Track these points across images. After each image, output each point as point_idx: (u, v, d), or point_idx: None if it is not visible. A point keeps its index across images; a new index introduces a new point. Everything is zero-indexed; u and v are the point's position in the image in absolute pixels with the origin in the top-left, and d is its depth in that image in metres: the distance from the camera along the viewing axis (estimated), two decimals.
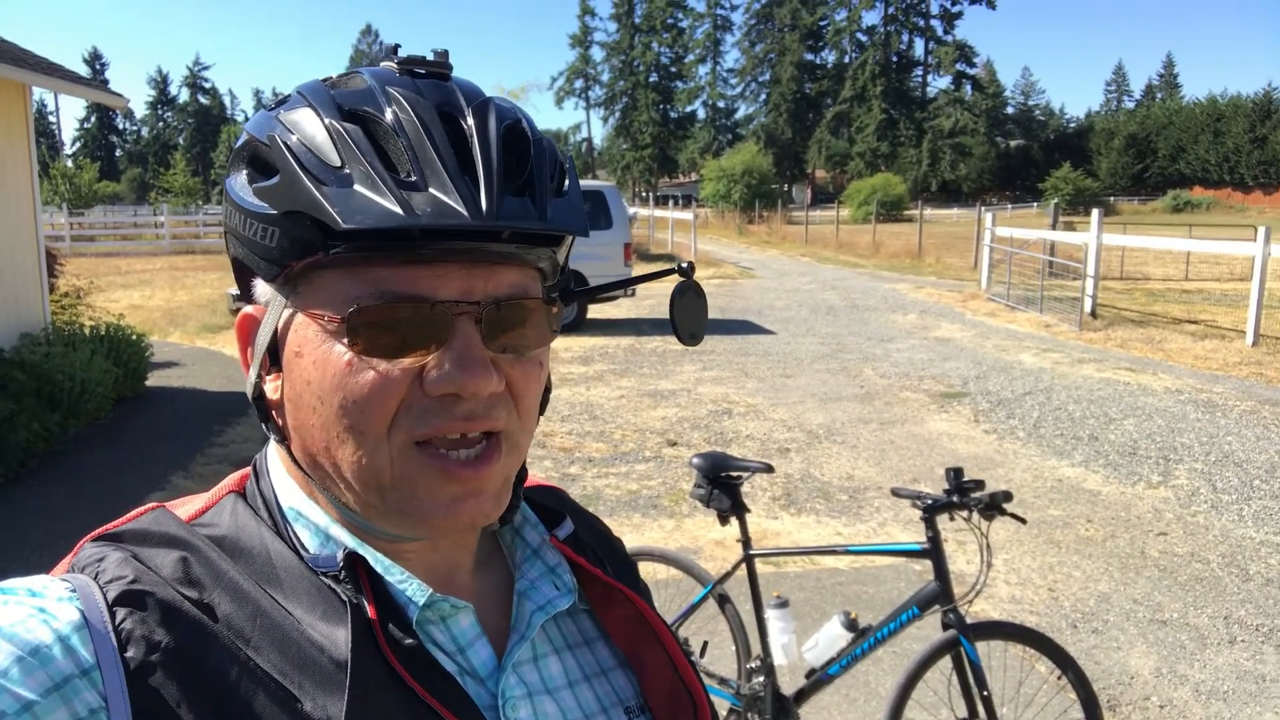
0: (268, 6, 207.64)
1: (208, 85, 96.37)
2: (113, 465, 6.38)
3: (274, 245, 0.59)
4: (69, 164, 46.41)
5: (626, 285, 0.84)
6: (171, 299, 16.15)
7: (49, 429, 6.46)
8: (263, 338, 0.62)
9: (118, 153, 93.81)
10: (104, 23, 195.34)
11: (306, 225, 0.56)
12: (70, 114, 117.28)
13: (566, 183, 0.64)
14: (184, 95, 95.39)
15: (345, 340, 0.57)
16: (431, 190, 0.55)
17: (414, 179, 0.56)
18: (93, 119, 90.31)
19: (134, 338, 8.56)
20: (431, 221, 0.54)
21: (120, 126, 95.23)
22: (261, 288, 0.63)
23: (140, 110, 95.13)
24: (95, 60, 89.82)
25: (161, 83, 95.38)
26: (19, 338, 7.56)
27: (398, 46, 0.64)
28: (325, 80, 0.62)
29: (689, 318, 0.78)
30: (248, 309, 0.64)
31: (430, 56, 0.63)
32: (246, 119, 0.57)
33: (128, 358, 8.25)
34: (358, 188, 0.55)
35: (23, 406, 6.23)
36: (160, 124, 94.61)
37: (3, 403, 6.00)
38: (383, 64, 0.63)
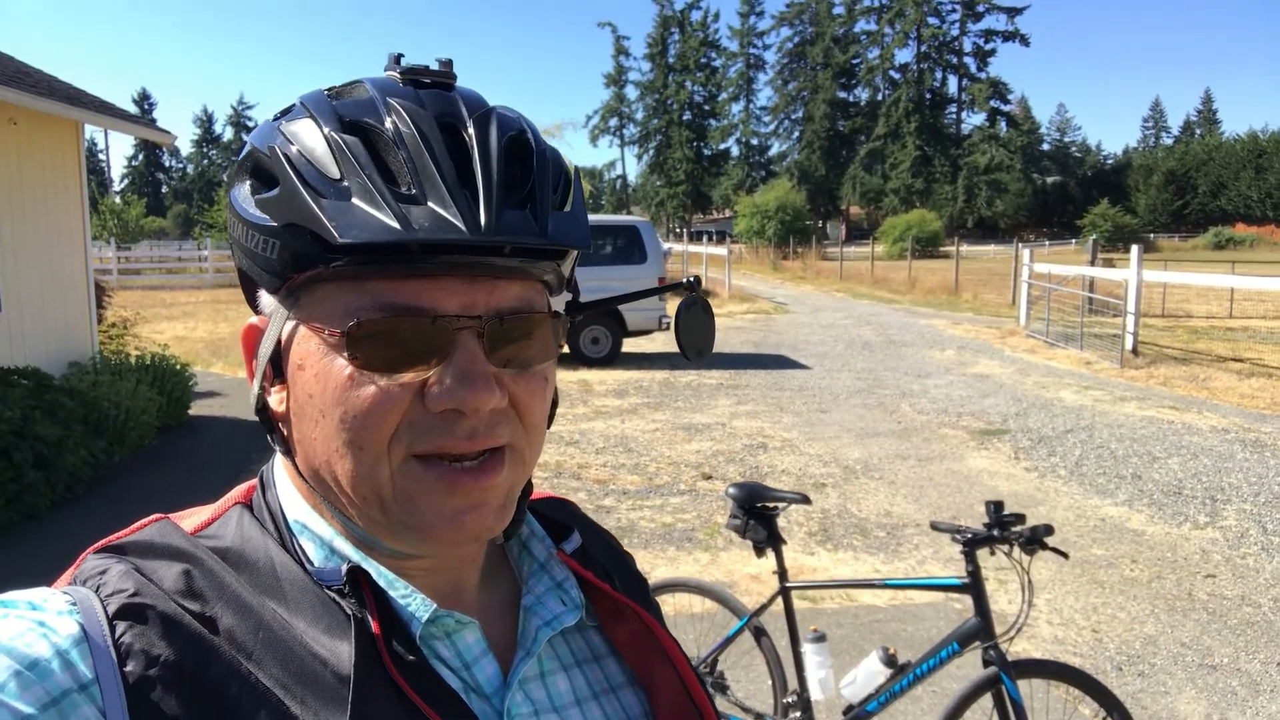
0: (309, 48, 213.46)
1: (251, 124, 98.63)
2: (155, 491, 6.48)
3: (275, 258, 0.58)
4: (117, 200, 47.72)
5: (633, 299, 0.81)
6: (214, 331, 16.44)
7: (95, 455, 6.59)
8: (265, 348, 0.62)
9: (164, 189, 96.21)
10: (152, 64, 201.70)
11: (306, 238, 0.56)
12: (119, 152, 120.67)
13: (571, 196, 0.62)
14: (228, 133, 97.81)
15: (346, 354, 0.56)
16: (430, 204, 0.55)
17: (413, 192, 0.55)
18: (140, 157, 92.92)
19: (178, 368, 8.73)
20: (429, 236, 0.54)
21: (166, 164, 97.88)
22: (266, 299, 0.63)
23: (186, 148, 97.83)
24: (144, 100, 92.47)
25: (206, 121, 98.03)
26: (68, 366, 7.75)
27: (401, 55, 0.62)
28: (328, 90, 0.61)
29: (695, 334, 0.76)
30: (253, 319, 0.64)
31: (435, 66, 0.62)
32: None
33: (171, 387, 8.41)
34: (356, 201, 0.55)
35: (70, 432, 6.36)
36: (205, 161, 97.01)
37: (51, 428, 6.14)
38: (386, 73, 0.62)
